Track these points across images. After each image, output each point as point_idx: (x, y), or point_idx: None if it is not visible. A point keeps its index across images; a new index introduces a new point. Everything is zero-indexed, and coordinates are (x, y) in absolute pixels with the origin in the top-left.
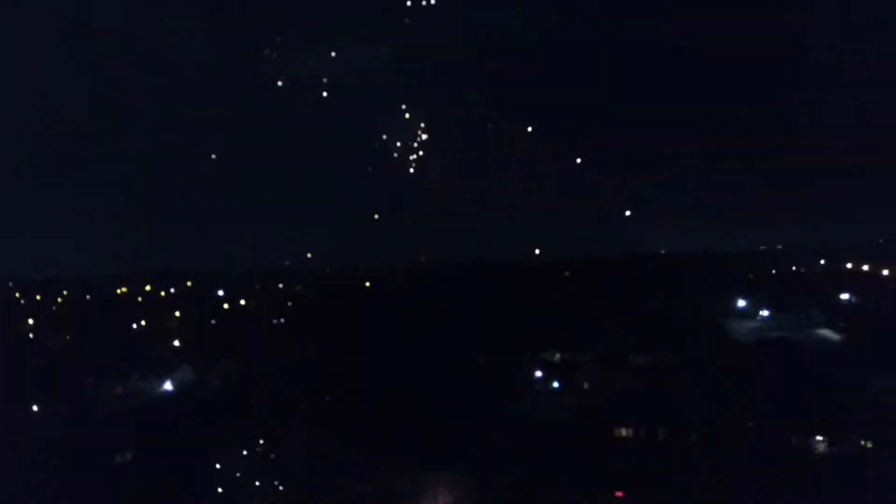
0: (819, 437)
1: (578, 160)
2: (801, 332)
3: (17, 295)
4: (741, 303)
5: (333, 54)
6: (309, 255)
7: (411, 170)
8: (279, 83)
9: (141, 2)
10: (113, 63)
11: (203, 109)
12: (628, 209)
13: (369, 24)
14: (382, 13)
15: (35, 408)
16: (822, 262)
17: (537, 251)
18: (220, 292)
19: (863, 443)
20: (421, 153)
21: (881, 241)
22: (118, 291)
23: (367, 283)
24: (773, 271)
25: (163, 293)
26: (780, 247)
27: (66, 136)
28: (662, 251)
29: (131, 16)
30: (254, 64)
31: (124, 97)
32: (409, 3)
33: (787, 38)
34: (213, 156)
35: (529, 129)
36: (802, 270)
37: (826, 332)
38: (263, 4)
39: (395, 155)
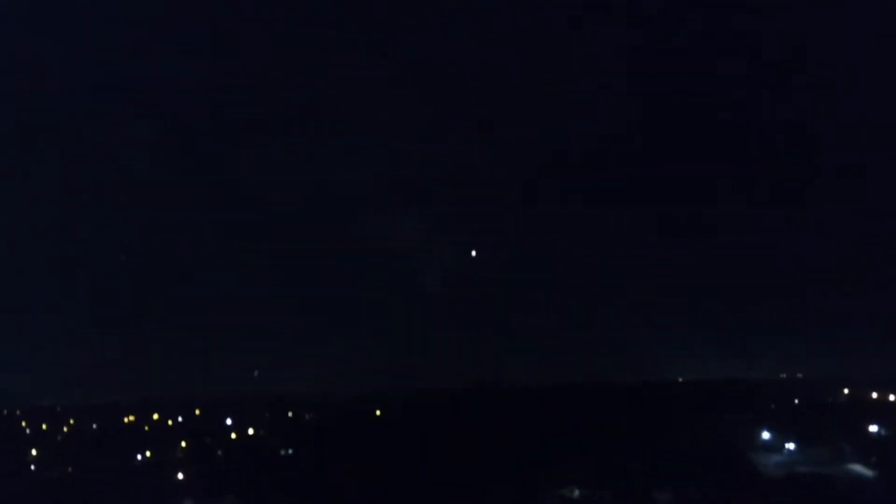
0: None
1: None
2: (831, 467)
3: (24, 423)
4: (766, 435)
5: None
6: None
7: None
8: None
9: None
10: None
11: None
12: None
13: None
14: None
15: None
16: (846, 391)
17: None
18: (229, 421)
19: None
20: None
21: None
22: (126, 420)
23: (378, 412)
24: (796, 401)
25: (170, 422)
26: (799, 375)
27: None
28: (680, 379)
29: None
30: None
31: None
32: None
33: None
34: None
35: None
36: (827, 400)
37: (858, 467)
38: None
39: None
